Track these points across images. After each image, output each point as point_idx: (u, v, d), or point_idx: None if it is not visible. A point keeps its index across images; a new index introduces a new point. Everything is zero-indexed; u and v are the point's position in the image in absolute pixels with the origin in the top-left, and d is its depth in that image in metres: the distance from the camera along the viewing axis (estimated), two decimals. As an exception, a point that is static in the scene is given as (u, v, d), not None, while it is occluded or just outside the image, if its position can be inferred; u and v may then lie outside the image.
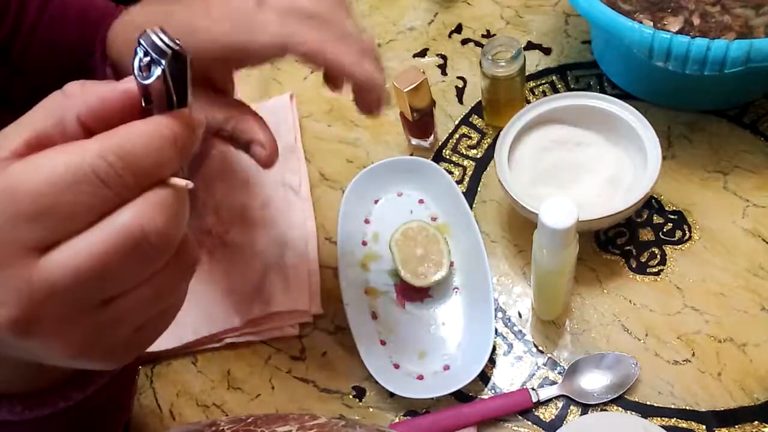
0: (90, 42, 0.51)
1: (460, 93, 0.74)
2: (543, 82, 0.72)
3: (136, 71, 0.25)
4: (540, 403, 0.54)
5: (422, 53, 0.78)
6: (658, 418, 0.52)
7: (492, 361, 0.57)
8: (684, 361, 0.54)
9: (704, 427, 0.51)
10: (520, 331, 0.58)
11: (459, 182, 0.67)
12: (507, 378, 0.56)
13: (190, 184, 0.25)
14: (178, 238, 0.25)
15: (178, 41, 0.24)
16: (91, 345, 0.25)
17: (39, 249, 0.23)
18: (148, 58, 0.24)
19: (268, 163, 0.40)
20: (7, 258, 0.23)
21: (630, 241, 0.60)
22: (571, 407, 0.54)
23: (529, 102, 0.68)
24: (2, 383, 0.31)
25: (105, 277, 0.23)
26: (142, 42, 0.24)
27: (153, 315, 0.27)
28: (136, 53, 0.25)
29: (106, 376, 0.35)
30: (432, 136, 0.68)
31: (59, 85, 0.26)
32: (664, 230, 0.60)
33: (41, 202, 0.22)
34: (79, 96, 0.25)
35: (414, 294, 0.61)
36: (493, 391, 0.56)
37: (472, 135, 0.70)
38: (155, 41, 0.24)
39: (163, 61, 0.24)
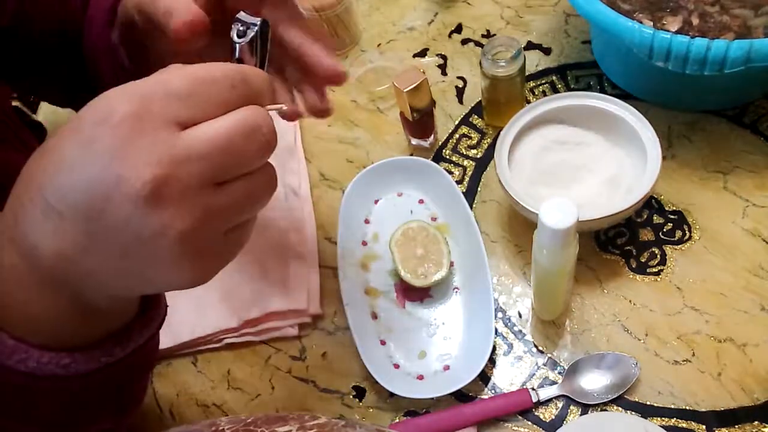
0: (78, 16, 0.53)
1: (460, 93, 0.74)
2: (543, 82, 0.72)
3: (235, 38, 0.36)
4: (540, 403, 0.54)
5: (422, 53, 0.78)
6: (658, 418, 0.52)
7: (492, 361, 0.57)
8: (684, 361, 0.54)
9: (704, 427, 0.51)
10: (520, 331, 0.58)
11: (459, 182, 0.67)
12: (507, 378, 0.56)
13: (284, 107, 0.35)
14: (275, 143, 0.31)
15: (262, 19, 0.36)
16: (197, 230, 0.29)
17: (182, 125, 0.28)
18: (243, 28, 0.36)
19: (183, 28, 0.38)
20: (157, 127, 0.28)
21: (630, 241, 0.60)
22: (571, 407, 0.54)
23: (529, 102, 0.68)
24: (49, 335, 0.33)
25: (229, 153, 0.29)
26: (238, 18, 0.36)
27: (240, 221, 0.32)
28: (234, 26, 0.36)
29: (145, 335, 0.37)
30: (432, 136, 0.68)
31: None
32: (664, 230, 0.60)
33: (189, 87, 0.29)
34: None
35: (414, 294, 0.61)
36: (493, 391, 0.56)
37: (472, 135, 0.70)
38: (247, 18, 0.36)
39: (255, 28, 0.36)
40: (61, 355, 0.33)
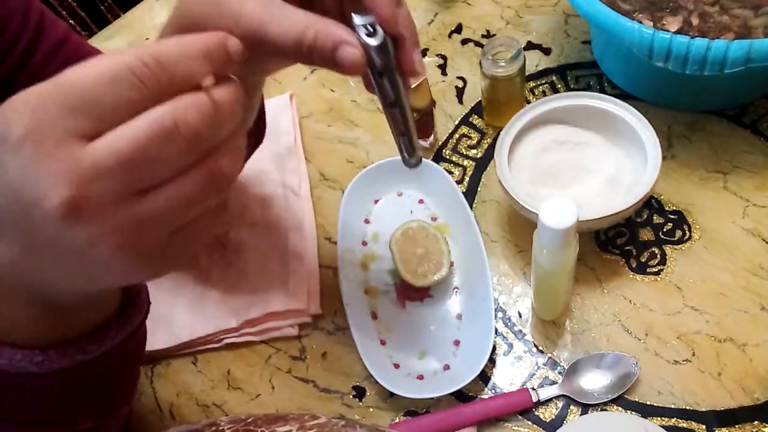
0: None
1: (460, 93, 0.74)
2: (543, 82, 0.72)
3: (365, 39, 0.35)
4: (540, 403, 0.54)
5: (422, 53, 0.78)
6: (658, 418, 0.52)
7: (492, 361, 0.57)
8: (684, 361, 0.54)
9: (704, 427, 0.51)
10: (520, 331, 0.58)
11: (459, 182, 0.67)
12: (507, 378, 0.56)
13: (231, 87, 0.29)
14: (207, 138, 0.27)
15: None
16: (131, 241, 0.27)
17: (85, 137, 0.25)
18: (370, 29, 0.35)
19: (359, 66, 0.35)
20: (56, 145, 0.25)
21: (630, 241, 0.60)
22: (571, 407, 0.54)
23: (529, 102, 0.68)
24: (24, 335, 0.33)
25: (142, 162, 0.26)
26: (356, 20, 0.36)
27: (185, 222, 0.29)
28: (357, 29, 0.35)
29: (122, 333, 0.37)
30: (432, 136, 0.68)
31: None
32: (664, 230, 0.60)
33: (85, 94, 0.25)
34: None
35: (414, 294, 0.61)
36: (493, 391, 0.56)
37: (472, 135, 0.70)
38: (363, 18, 0.36)
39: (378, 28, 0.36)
40: (34, 352, 0.33)
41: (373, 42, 0.35)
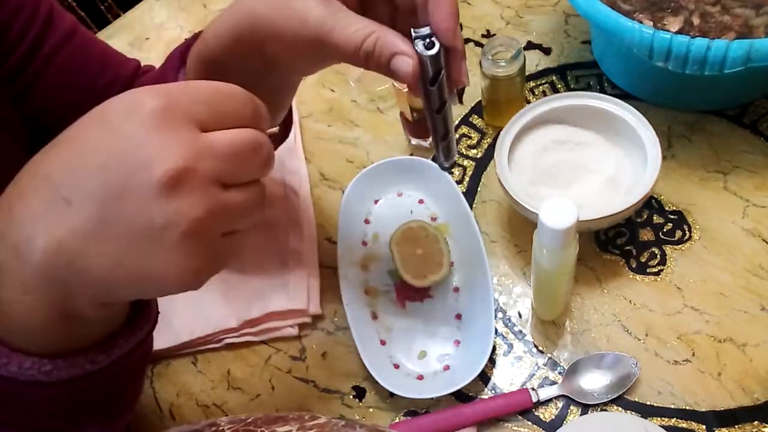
0: (112, 82, 0.57)
1: (460, 93, 0.73)
2: (543, 82, 0.72)
3: (423, 51, 0.38)
4: (540, 403, 0.54)
5: (422, 53, 0.78)
6: (658, 418, 0.52)
7: (492, 361, 0.57)
8: (684, 361, 0.54)
9: (704, 427, 0.51)
10: (520, 331, 0.58)
11: (459, 182, 0.67)
12: (507, 378, 0.56)
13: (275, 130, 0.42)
14: (273, 163, 0.34)
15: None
16: (203, 227, 0.30)
17: (201, 127, 0.31)
18: (428, 41, 0.38)
19: (412, 76, 0.38)
20: (181, 123, 0.30)
21: (630, 241, 0.60)
22: (571, 407, 0.54)
23: (529, 102, 0.68)
24: (35, 341, 0.33)
25: (240, 159, 0.32)
26: (415, 33, 0.38)
27: (237, 227, 0.33)
28: (416, 41, 0.38)
29: (131, 342, 0.37)
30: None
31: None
32: (664, 230, 0.60)
33: (212, 95, 0.32)
34: None
35: (414, 294, 0.61)
36: (493, 391, 0.56)
37: (472, 135, 0.70)
38: (422, 31, 0.38)
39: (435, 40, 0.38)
40: (42, 361, 0.33)
41: (429, 53, 0.38)
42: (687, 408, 0.52)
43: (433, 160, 0.44)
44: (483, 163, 0.68)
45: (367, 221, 0.66)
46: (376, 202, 0.67)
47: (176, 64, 0.48)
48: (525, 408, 0.54)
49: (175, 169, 0.29)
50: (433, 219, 0.65)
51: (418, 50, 0.38)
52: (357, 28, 0.38)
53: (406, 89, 0.61)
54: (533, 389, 0.54)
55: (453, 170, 0.68)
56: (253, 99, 0.33)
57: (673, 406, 0.52)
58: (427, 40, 0.38)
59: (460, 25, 0.78)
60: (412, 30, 0.38)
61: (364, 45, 0.38)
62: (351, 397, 0.58)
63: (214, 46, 0.44)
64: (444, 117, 0.42)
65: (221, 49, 0.43)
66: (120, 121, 0.29)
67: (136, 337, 0.37)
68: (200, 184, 0.30)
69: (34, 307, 0.31)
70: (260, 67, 0.43)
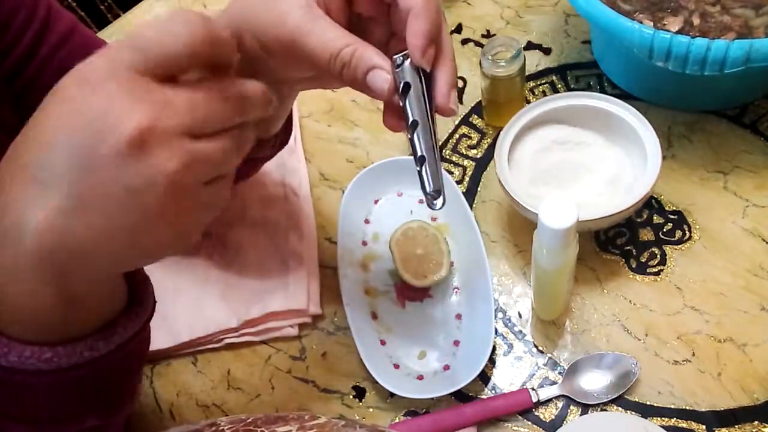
0: None
1: (460, 93, 0.74)
2: (543, 82, 0.72)
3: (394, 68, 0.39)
4: (540, 403, 0.54)
5: (422, 53, 0.78)
6: (658, 418, 0.52)
7: (492, 361, 0.57)
8: (684, 361, 0.54)
9: (704, 427, 0.51)
10: (520, 331, 0.58)
11: (459, 182, 0.67)
12: (507, 378, 0.56)
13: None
14: (259, 107, 0.34)
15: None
16: (184, 177, 0.30)
17: (156, 78, 0.30)
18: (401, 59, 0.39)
19: (386, 92, 0.38)
20: (131, 80, 0.29)
21: (630, 241, 0.60)
22: (571, 407, 0.54)
23: (529, 102, 0.68)
24: (32, 330, 0.33)
25: (205, 111, 0.31)
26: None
27: (217, 172, 0.33)
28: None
29: (129, 330, 0.37)
30: (432, 136, 0.68)
31: None
32: (664, 230, 0.60)
33: (152, 39, 0.30)
34: None
35: (414, 294, 0.61)
36: (493, 391, 0.56)
37: (472, 135, 0.70)
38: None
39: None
40: (42, 349, 0.33)
41: (397, 69, 0.38)
42: (687, 408, 0.52)
43: (426, 200, 0.40)
44: (483, 163, 0.68)
45: (367, 221, 0.66)
46: (376, 202, 0.67)
47: None
48: (525, 408, 0.54)
49: (139, 129, 0.28)
50: (433, 219, 0.65)
51: (393, 68, 0.38)
52: (335, 37, 0.37)
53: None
54: (533, 389, 0.54)
55: (453, 171, 0.68)
56: (206, 30, 0.31)
57: (673, 406, 0.52)
58: (401, 57, 0.38)
59: (459, 29, 0.78)
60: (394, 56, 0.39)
61: (340, 55, 0.37)
62: (351, 397, 0.58)
63: None
64: (417, 139, 0.39)
65: None
66: (75, 92, 0.29)
67: (134, 324, 0.38)
68: (167, 138, 0.29)
69: (31, 293, 0.32)
70: (245, 67, 0.43)
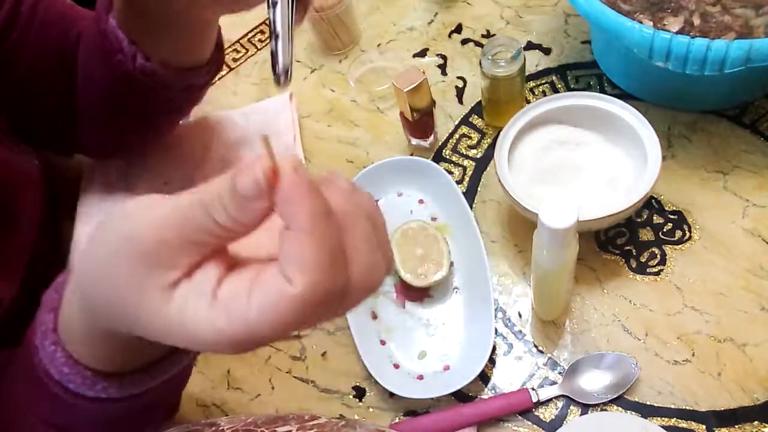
0: (74, 38, 0.58)
1: (460, 93, 0.74)
2: (543, 82, 0.72)
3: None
4: (540, 403, 0.54)
5: (422, 53, 0.78)
6: (658, 418, 0.52)
7: (492, 361, 0.57)
8: (684, 361, 0.54)
9: (704, 427, 0.51)
10: (520, 331, 0.58)
11: (459, 182, 0.67)
12: (507, 378, 0.56)
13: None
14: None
15: None
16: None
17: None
18: None
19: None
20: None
21: (630, 241, 0.60)
22: (571, 407, 0.54)
23: (529, 102, 0.68)
24: (100, 362, 0.34)
25: None
26: None
27: None
28: None
29: (190, 356, 0.38)
30: (432, 136, 0.68)
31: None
32: (664, 230, 0.60)
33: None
34: None
35: (414, 294, 0.61)
36: (493, 391, 0.56)
37: (472, 135, 0.70)
38: None
39: None
40: (109, 380, 0.34)
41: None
42: (687, 408, 0.52)
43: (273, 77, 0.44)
44: (483, 163, 0.68)
45: (367, 221, 0.66)
46: (376, 202, 0.66)
47: (106, 4, 0.52)
48: (525, 408, 0.54)
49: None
50: (433, 219, 0.65)
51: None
52: None
53: (407, 89, 0.61)
54: (533, 389, 0.54)
55: (453, 171, 0.68)
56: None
57: (673, 406, 0.52)
58: None
59: (459, 29, 0.78)
60: None
61: None
62: (351, 397, 0.58)
63: None
64: (275, 16, 0.42)
65: None
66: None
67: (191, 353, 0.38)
68: None
69: (94, 344, 0.33)
70: None
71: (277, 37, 0.43)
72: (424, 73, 0.62)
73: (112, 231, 0.27)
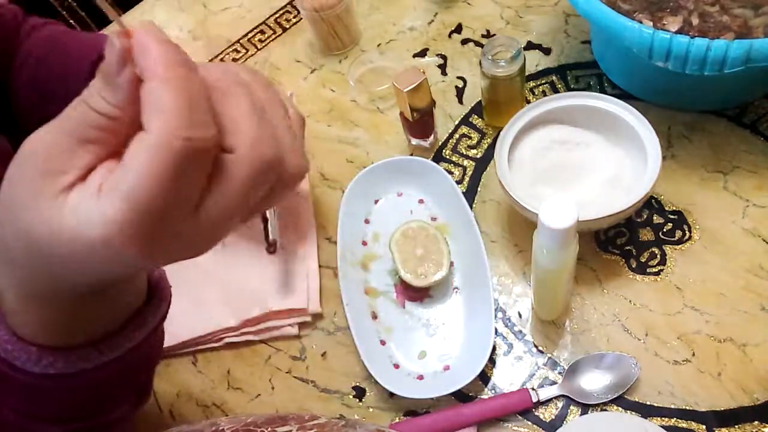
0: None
1: (460, 93, 0.74)
2: (543, 82, 0.72)
3: None
4: (540, 403, 0.54)
5: (422, 53, 0.78)
6: (658, 418, 0.52)
7: (492, 361, 0.57)
8: (684, 361, 0.54)
9: (704, 427, 0.51)
10: (520, 331, 0.58)
11: (459, 182, 0.67)
12: (507, 378, 0.56)
13: None
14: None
15: None
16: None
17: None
18: None
19: None
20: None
21: (630, 241, 0.60)
22: (571, 407, 0.54)
23: (529, 102, 0.68)
24: (41, 332, 0.33)
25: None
26: None
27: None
28: None
29: (157, 316, 0.38)
30: (432, 136, 0.68)
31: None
32: (664, 230, 0.60)
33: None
34: None
35: (414, 294, 0.61)
36: (493, 391, 0.56)
37: (472, 135, 0.70)
38: None
39: None
40: (86, 349, 0.34)
41: None
42: (687, 408, 0.52)
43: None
44: (483, 163, 0.68)
45: (367, 221, 0.66)
46: (376, 202, 0.67)
47: None
48: (525, 408, 0.54)
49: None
50: (433, 219, 0.65)
51: None
52: None
53: (407, 89, 0.61)
54: (533, 389, 0.54)
55: (453, 171, 0.68)
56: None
57: (673, 406, 0.52)
58: None
59: (459, 29, 0.78)
60: None
61: None
62: (351, 397, 0.58)
63: None
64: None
65: None
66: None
67: (162, 309, 0.39)
68: None
69: (40, 309, 0.32)
70: None
71: (266, 220, 0.58)
72: (424, 73, 0.62)
73: (14, 161, 0.27)
